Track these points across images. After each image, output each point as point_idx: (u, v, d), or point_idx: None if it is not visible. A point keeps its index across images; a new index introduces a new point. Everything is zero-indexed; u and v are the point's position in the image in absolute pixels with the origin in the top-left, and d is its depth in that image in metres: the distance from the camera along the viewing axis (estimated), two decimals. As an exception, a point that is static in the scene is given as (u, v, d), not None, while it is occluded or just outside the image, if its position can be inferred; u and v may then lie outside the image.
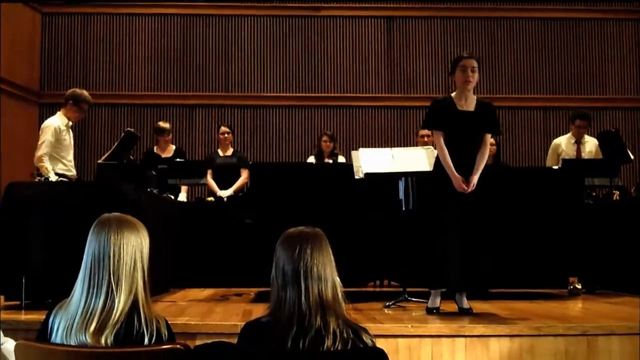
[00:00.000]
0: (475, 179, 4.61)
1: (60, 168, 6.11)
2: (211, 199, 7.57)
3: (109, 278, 2.17)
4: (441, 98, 4.93)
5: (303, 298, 2.14)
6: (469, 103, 4.75)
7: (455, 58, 4.85)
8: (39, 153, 6.02)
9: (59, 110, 6.28)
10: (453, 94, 4.80)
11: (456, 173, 4.57)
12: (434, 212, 4.70)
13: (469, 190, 4.58)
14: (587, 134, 7.44)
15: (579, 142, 7.30)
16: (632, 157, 6.83)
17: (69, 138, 6.26)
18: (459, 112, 4.71)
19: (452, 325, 3.99)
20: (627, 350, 3.90)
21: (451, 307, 4.71)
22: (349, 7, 10.17)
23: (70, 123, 6.26)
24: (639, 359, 3.83)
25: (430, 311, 4.65)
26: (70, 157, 6.31)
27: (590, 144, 7.32)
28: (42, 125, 6.21)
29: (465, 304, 4.63)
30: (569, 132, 7.52)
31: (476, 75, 4.70)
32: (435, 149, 4.96)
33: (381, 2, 10.21)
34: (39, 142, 6.08)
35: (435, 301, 4.70)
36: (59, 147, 6.13)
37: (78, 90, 6.32)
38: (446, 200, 4.61)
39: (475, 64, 4.70)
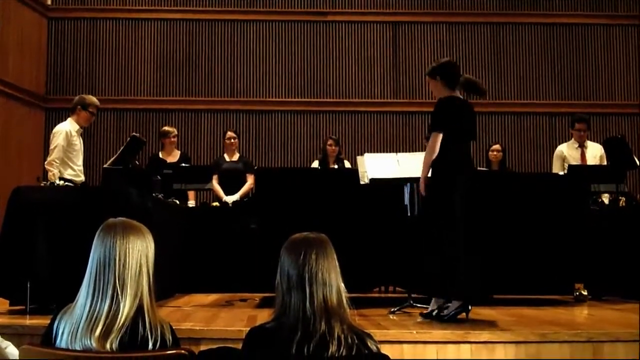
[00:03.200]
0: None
1: (69, 173, 6.19)
2: (216, 204, 7.56)
3: (114, 283, 2.17)
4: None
5: (308, 303, 2.13)
6: None
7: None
8: (50, 157, 6.13)
9: (69, 117, 6.38)
10: None
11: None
12: (440, 218, 4.67)
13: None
14: (588, 139, 7.44)
15: (582, 145, 7.30)
16: (638, 163, 6.82)
17: (79, 143, 6.36)
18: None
19: (458, 332, 3.97)
20: (633, 357, 3.88)
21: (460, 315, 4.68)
22: (355, 13, 10.18)
23: (81, 129, 6.34)
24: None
25: (428, 316, 4.58)
26: (80, 162, 6.39)
27: (594, 149, 7.32)
28: (54, 130, 6.31)
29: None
30: (571, 138, 7.52)
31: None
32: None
33: (387, 7, 10.21)
34: (51, 147, 6.20)
35: (435, 306, 4.66)
36: (70, 152, 6.22)
37: (85, 96, 6.45)
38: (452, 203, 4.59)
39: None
